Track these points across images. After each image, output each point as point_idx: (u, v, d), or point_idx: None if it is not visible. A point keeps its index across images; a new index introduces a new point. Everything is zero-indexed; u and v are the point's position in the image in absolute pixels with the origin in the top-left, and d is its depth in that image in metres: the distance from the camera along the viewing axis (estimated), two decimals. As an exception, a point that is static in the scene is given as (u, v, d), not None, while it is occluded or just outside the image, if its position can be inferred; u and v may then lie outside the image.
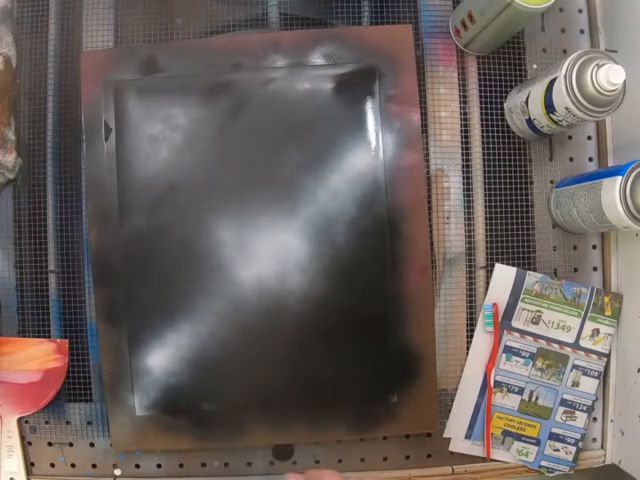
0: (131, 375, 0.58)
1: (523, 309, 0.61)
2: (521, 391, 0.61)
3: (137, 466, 0.61)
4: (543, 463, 0.61)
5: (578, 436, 0.61)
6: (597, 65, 0.50)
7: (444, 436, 0.62)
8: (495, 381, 0.61)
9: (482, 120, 0.63)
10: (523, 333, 0.61)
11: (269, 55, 0.59)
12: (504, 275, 0.61)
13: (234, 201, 0.58)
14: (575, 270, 0.63)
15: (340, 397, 0.59)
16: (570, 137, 0.64)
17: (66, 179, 0.63)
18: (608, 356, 0.62)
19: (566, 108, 0.52)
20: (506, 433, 0.61)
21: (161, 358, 0.58)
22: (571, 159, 0.64)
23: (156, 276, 0.58)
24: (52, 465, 0.61)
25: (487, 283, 0.62)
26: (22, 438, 0.61)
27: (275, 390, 0.58)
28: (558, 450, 0.61)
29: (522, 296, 0.61)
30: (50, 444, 0.61)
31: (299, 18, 0.64)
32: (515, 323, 0.61)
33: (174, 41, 0.63)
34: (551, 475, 0.61)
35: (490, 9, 0.53)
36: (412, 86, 0.59)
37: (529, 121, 0.58)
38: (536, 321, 0.61)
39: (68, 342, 0.61)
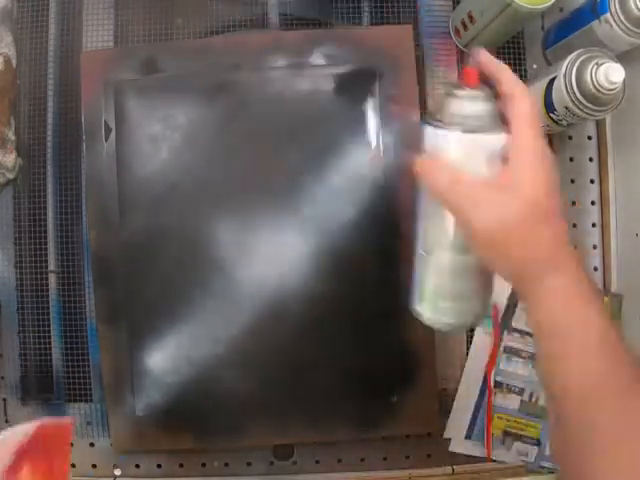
0: (131, 375, 0.58)
1: (523, 309, 0.61)
2: (521, 391, 0.61)
3: (137, 466, 0.61)
4: (543, 463, 0.61)
5: (578, 436, 0.61)
6: (596, 64, 0.50)
7: (444, 436, 0.61)
8: (495, 381, 0.61)
9: (482, 120, 0.62)
10: (523, 333, 0.61)
11: (269, 55, 0.59)
12: (504, 275, 0.61)
13: (234, 201, 0.58)
14: (575, 270, 0.63)
15: (340, 397, 0.59)
16: (570, 137, 0.64)
17: (66, 179, 0.63)
18: (608, 356, 0.62)
19: (566, 107, 0.52)
20: (506, 433, 0.61)
21: (161, 358, 0.58)
22: (571, 159, 0.64)
23: (156, 276, 0.58)
24: (52, 465, 0.61)
25: (487, 283, 0.62)
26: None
27: (275, 390, 0.58)
28: (558, 450, 0.61)
29: (522, 296, 0.61)
30: (50, 444, 0.61)
31: (299, 18, 0.64)
32: (515, 323, 0.61)
33: (174, 41, 0.63)
34: (551, 475, 0.61)
35: (490, 9, 0.53)
36: (412, 86, 0.59)
37: (529, 121, 0.58)
38: (536, 321, 0.61)
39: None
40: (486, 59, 0.37)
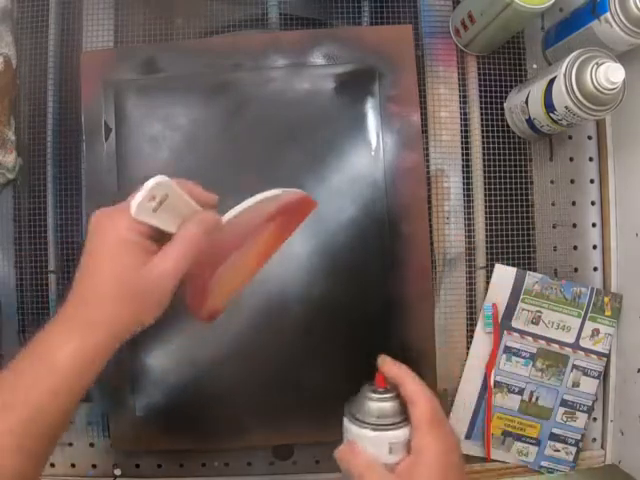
0: (131, 375, 0.58)
1: (523, 309, 0.61)
2: (521, 391, 0.61)
3: (137, 466, 0.61)
4: (543, 463, 0.61)
5: (578, 436, 0.61)
6: (596, 64, 0.50)
7: (444, 436, 0.62)
8: (495, 381, 0.61)
9: (482, 120, 0.63)
10: (523, 333, 0.61)
11: (269, 55, 0.59)
12: (504, 275, 0.61)
13: (234, 201, 0.58)
14: (575, 270, 0.63)
15: (340, 397, 0.59)
16: (570, 137, 0.64)
17: (66, 179, 0.63)
18: (608, 356, 0.62)
19: (566, 107, 0.52)
20: (506, 433, 0.61)
21: (161, 358, 0.58)
22: (571, 159, 0.64)
23: (156, 276, 0.58)
24: (52, 465, 0.61)
25: (487, 283, 0.62)
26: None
27: (275, 390, 0.58)
28: (558, 450, 0.61)
29: (522, 296, 0.61)
30: (50, 444, 0.61)
31: (299, 18, 0.64)
32: (515, 323, 0.61)
33: (174, 41, 0.63)
34: (551, 475, 0.61)
35: (490, 9, 0.53)
36: (412, 86, 0.59)
37: (529, 121, 0.58)
38: (536, 321, 0.61)
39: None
40: (388, 369, 0.45)
